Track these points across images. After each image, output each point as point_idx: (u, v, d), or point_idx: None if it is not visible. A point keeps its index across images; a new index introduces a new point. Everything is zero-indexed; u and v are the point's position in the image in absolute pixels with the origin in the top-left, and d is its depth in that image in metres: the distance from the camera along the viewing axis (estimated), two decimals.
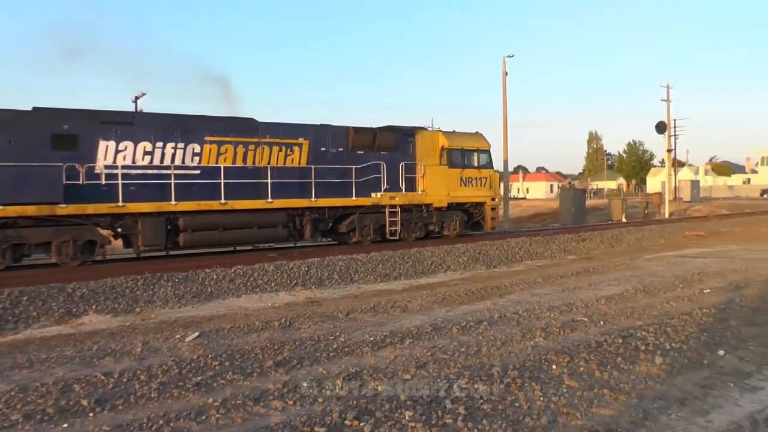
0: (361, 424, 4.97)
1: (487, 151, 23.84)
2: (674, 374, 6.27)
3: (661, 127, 47.95)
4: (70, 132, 15.70)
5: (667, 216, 40.05)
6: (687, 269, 14.17)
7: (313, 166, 19.10)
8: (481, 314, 9.25)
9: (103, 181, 15.82)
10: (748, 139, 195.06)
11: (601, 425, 4.96)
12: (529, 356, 6.84)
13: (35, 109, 15.63)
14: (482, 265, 15.94)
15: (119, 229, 16.34)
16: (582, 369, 6.38)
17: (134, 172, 16.44)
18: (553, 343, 7.42)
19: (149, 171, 16.71)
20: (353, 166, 19.93)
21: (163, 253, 17.13)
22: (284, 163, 18.92)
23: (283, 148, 19.07)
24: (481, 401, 5.45)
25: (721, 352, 7.05)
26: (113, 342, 7.94)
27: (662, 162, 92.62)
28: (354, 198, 19.88)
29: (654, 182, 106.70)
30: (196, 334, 8.21)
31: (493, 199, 23.64)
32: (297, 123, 19.51)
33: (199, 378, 6.19)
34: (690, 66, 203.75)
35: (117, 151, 16.31)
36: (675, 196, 60.84)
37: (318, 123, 19.86)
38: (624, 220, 34.92)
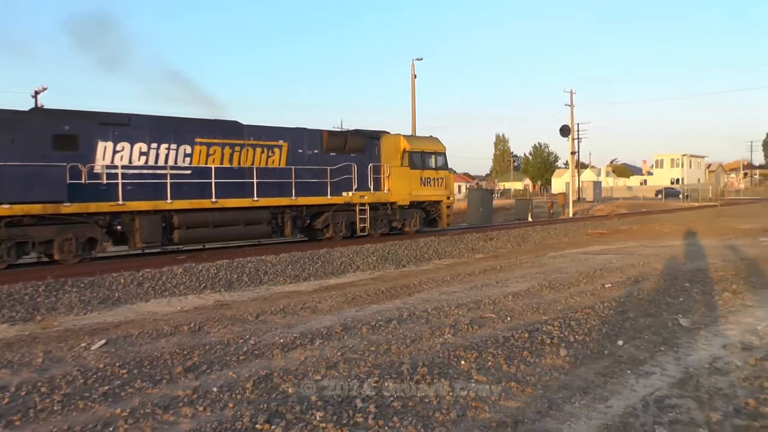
0: (272, 427, 4.95)
1: (443, 154, 25.72)
2: (577, 365, 6.53)
3: (565, 131, 49.67)
4: (70, 132, 16.34)
5: (571, 215, 41.49)
6: (590, 265, 14.75)
7: (293, 167, 20.52)
8: (391, 313, 9.33)
9: (104, 181, 16.65)
10: (645, 143, 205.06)
11: (508, 417, 5.11)
12: (438, 353, 6.96)
13: (35, 109, 16.34)
14: (391, 265, 16.06)
15: (119, 227, 17.06)
16: (490, 363, 6.55)
17: (131, 171, 17.28)
18: (462, 340, 7.58)
19: (144, 171, 17.59)
20: (328, 167, 21.49)
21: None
22: (266, 164, 20.19)
23: (265, 149, 20.32)
24: (392, 399, 5.51)
25: (620, 342, 7.38)
26: (9, 353, 7.55)
27: (566, 164, 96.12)
28: (329, 197, 21.44)
29: (558, 183, 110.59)
30: (103, 341, 7.92)
31: (448, 198, 25.69)
32: (277, 126, 20.76)
33: (106, 387, 5.98)
34: (592, 72, 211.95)
35: (114, 152, 17.11)
36: (578, 196, 63.18)
37: (295, 126, 21.27)
38: (530, 219, 35.90)
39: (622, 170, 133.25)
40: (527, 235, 23.82)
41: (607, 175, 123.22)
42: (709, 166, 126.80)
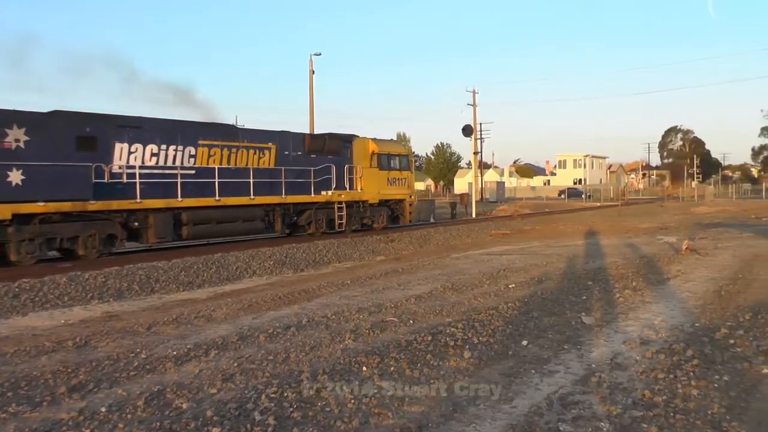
0: None
1: (406, 156, 29.55)
2: (482, 366, 6.66)
3: (467, 131, 50.65)
4: (91, 134, 18.11)
5: (474, 216, 42.32)
6: (493, 266, 15.08)
7: (282, 168, 23.19)
8: (289, 319, 9.24)
9: (124, 180, 18.62)
10: (548, 144, 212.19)
11: (412, 422, 5.14)
12: (339, 360, 6.94)
13: (56, 112, 17.77)
14: (289, 269, 15.93)
15: (136, 224, 18.98)
16: (393, 368, 6.58)
17: (145, 171, 19.25)
18: (363, 345, 7.59)
19: (156, 171, 19.66)
20: (312, 168, 24.37)
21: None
22: (258, 165, 22.66)
23: (257, 151, 22.76)
24: (291, 409, 5.45)
25: (524, 342, 7.57)
26: None
27: (469, 164, 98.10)
28: (312, 195, 24.35)
29: (461, 183, 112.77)
30: None
31: (410, 197, 29.39)
32: (266, 129, 23.48)
33: None
34: (496, 72, 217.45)
35: (129, 153, 19.01)
36: (481, 196, 64.56)
37: (280, 129, 23.99)
38: (432, 220, 36.40)
39: (526, 170, 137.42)
40: (429, 237, 24.17)
41: (511, 175, 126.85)
42: (610, 166, 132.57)
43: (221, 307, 10.56)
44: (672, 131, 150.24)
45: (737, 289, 11.12)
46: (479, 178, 66.15)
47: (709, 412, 5.34)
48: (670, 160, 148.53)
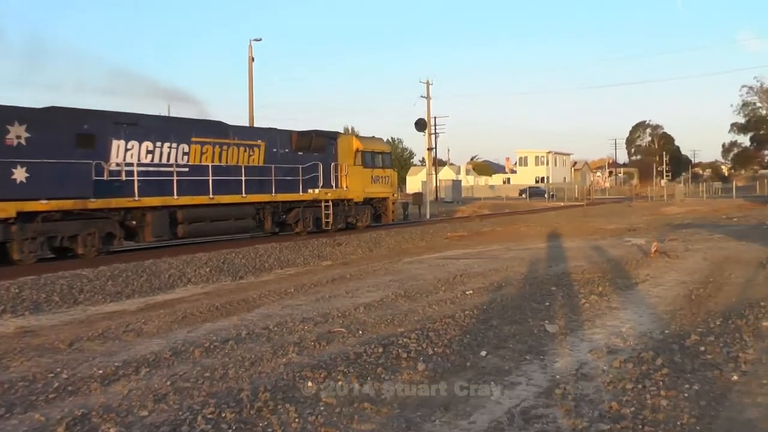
0: None
1: (389, 154, 32.26)
2: (437, 379, 6.71)
3: (420, 125, 50.97)
4: (89, 131, 19.61)
5: (428, 217, 42.55)
6: (449, 271, 15.19)
7: (272, 166, 25.29)
8: (228, 332, 9.17)
9: (123, 178, 20.29)
10: (508, 140, 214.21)
11: None
12: (282, 375, 6.92)
13: (54, 108, 19.14)
14: (227, 276, 15.82)
15: (133, 222, 20.76)
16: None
17: (142, 169, 20.83)
18: (309, 359, 7.59)
19: (151, 168, 21.31)
20: (300, 166, 26.58)
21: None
22: (247, 163, 24.66)
23: (247, 148, 24.78)
24: (230, 431, 5.40)
25: (483, 353, 7.66)
26: None
27: (422, 161, 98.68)
28: (301, 193, 26.62)
29: (414, 181, 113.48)
30: None
31: (393, 195, 31.94)
32: (255, 126, 26.40)
33: None
34: (451, 63, 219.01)
35: (126, 150, 20.61)
36: (436, 196, 64.96)
37: (268, 127, 26.46)
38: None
39: (484, 168, 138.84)
40: (380, 240, 24.26)
41: (468, 173, 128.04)
42: (574, 164, 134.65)
43: (153, 319, 10.43)
44: (640, 126, 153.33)
45: (708, 293, 11.41)
46: (434, 176, 66.64)
47: (678, 423, 5.49)
48: (639, 157, 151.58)
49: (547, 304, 10.65)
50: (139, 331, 9.63)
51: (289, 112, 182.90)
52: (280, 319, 10.02)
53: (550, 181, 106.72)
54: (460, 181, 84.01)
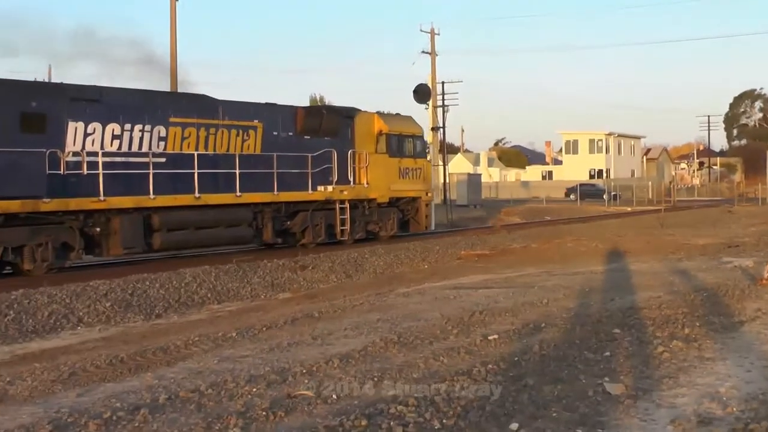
0: None
1: (421, 137, 34.27)
2: None
3: (422, 94, 51.26)
4: (38, 110, 20.97)
5: (432, 227, 42.43)
6: (463, 306, 15.20)
7: (275, 154, 26.79)
8: (138, 396, 9.07)
9: (85, 171, 21.58)
10: (550, 116, 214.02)
11: None
12: None
13: None
14: (138, 314, 15.83)
15: (97, 229, 22.12)
16: None
17: (108, 159, 22.28)
18: None
19: (118, 159, 22.79)
20: (308, 155, 28.07)
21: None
22: (241, 150, 26.26)
23: (240, 131, 26.40)
24: None
25: (514, 426, 7.59)
26: None
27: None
28: (310, 191, 28.18)
29: None
30: None
31: (427, 194, 33.92)
32: (250, 102, 27.47)
33: None
34: (467, 3, 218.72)
35: (86, 135, 22.03)
36: (445, 197, 64.93)
37: (265, 102, 27.98)
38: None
39: (514, 157, 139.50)
40: (363, 261, 24.28)
41: (491, 164, 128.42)
42: (647, 151, 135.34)
43: (24, 377, 10.37)
44: (746, 97, 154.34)
45: None
46: (441, 168, 66.61)
47: None
48: (744, 141, 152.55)
49: (608, 353, 10.60)
50: (2, 394, 9.53)
51: (222, 72, 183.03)
52: (217, 377, 9.93)
53: (612, 176, 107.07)
54: (480, 175, 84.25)
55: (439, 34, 57.60)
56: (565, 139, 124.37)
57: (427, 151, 35.00)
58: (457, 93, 78.64)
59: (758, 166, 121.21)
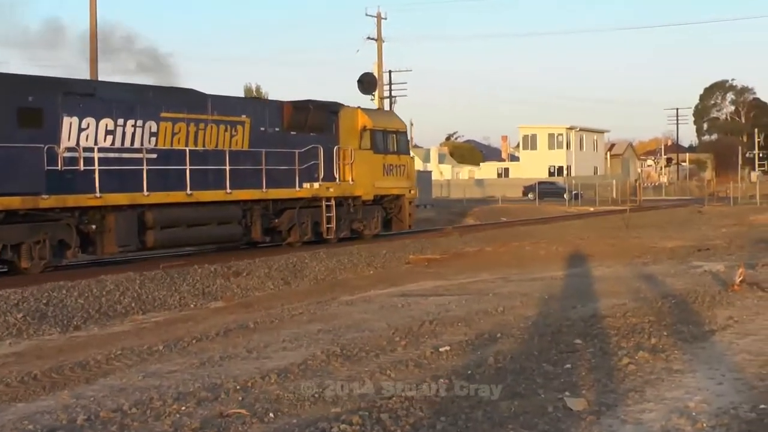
0: None
1: (405, 134, 37.04)
2: None
3: (367, 84, 51.22)
4: (34, 105, 22.56)
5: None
6: (412, 315, 15.21)
7: (263, 150, 28.98)
8: (54, 417, 8.97)
9: (81, 167, 23.26)
10: (507, 109, 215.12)
11: None
12: None
13: None
14: (54, 326, 15.67)
15: (93, 226, 23.83)
16: None
17: (103, 155, 23.89)
18: None
19: (112, 154, 24.40)
20: (296, 151, 30.16)
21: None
22: (230, 146, 28.28)
23: (229, 127, 28.24)
24: None
25: None
26: None
27: None
28: (297, 189, 30.26)
29: None
30: None
31: (411, 191, 36.42)
32: (238, 96, 29.64)
33: None
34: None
35: (81, 130, 23.66)
36: None
37: (252, 97, 32.60)
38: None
39: (468, 152, 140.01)
40: (303, 266, 24.29)
41: (442, 160, 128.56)
42: (611, 146, 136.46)
43: None
44: (717, 89, 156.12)
45: None
46: None
47: None
48: (714, 136, 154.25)
49: (568, 366, 10.64)
50: None
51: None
52: (142, 395, 9.83)
53: (573, 174, 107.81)
54: (430, 172, 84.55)
55: (386, 19, 57.68)
56: (523, 133, 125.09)
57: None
58: (405, 83, 79.16)
59: (730, 163, 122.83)
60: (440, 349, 11.92)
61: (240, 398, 9.56)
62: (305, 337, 13.31)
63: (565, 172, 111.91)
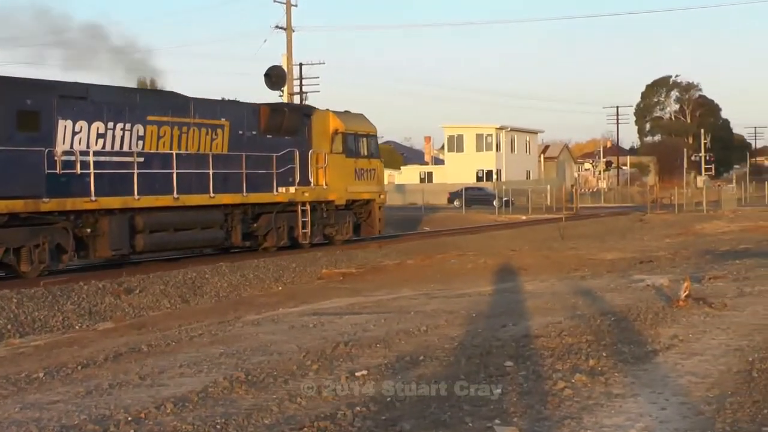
0: None
1: (375, 137, 40.52)
2: None
3: (275, 78, 50.98)
4: (33, 108, 24.90)
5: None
6: (325, 336, 15.26)
7: (243, 154, 31.81)
8: None
9: (78, 171, 25.64)
10: (430, 107, 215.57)
11: None
12: None
13: None
14: None
15: (88, 230, 26.32)
16: None
17: (97, 159, 26.35)
18: None
19: (103, 158, 26.87)
20: (273, 154, 33.08)
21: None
22: (211, 149, 30.99)
23: (209, 130, 30.93)
24: None
25: None
26: None
27: None
28: (275, 193, 33.14)
29: None
30: None
31: (381, 196, 39.61)
32: (217, 99, 32.60)
33: None
34: None
35: (74, 133, 26.10)
36: None
37: (230, 99, 34.06)
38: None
39: (387, 155, 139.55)
40: (203, 282, 24.27)
41: None
42: (545, 148, 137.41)
43: None
44: (661, 86, 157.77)
45: None
46: None
47: None
48: (658, 137, 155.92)
49: (498, 391, 10.67)
50: None
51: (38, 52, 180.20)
52: (19, 428, 9.74)
53: (504, 179, 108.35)
54: None
55: (296, 6, 57.38)
56: (448, 133, 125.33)
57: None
58: (318, 77, 78.94)
59: (674, 167, 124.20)
60: (357, 374, 11.91)
61: (132, 431, 9.50)
62: (205, 362, 13.25)
63: (494, 176, 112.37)
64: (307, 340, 14.89)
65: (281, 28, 55.12)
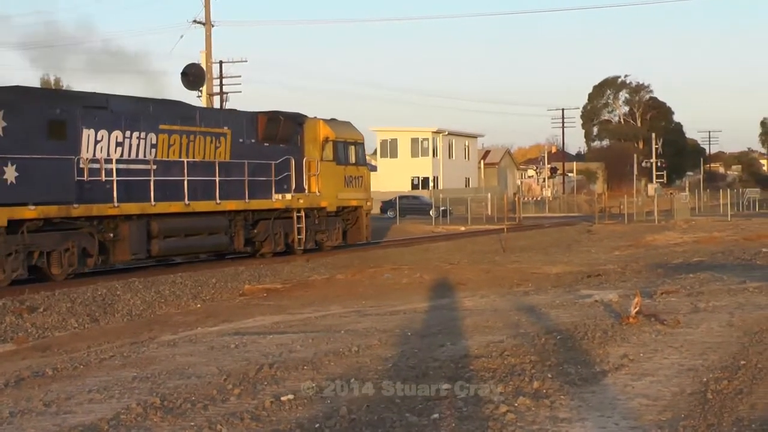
0: None
1: (362, 144, 44.38)
2: None
3: (193, 77, 50.83)
4: (61, 118, 28.09)
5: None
6: (248, 358, 15.24)
7: (245, 161, 35.41)
8: None
9: (103, 178, 29.30)
10: (362, 108, 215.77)
11: None
12: None
13: (20, 88, 28.80)
14: None
15: (110, 235, 29.84)
16: None
17: (117, 167, 29.75)
18: None
19: (121, 165, 30.11)
20: (272, 162, 36.78)
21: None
22: (214, 157, 34.38)
23: (213, 138, 34.41)
24: None
25: None
26: None
27: None
28: (274, 200, 37.00)
29: None
30: None
31: (367, 202, 43.87)
32: (219, 108, 33.00)
33: None
34: None
35: (96, 142, 29.29)
36: None
37: (229, 108, 34.03)
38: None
39: None
40: (113, 299, 24.16)
41: None
42: (486, 154, 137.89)
43: None
44: (609, 86, 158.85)
45: (737, 388, 11.77)
46: None
47: None
48: (606, 142, 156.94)
49: (435, 416, 10.70)
50: None
51: None
52: None
53: (441, 186, 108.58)
54: None
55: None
56: (381, 138, 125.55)
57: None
58: (240, 76, 78.67)
59: (624, 173, 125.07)
60: (282, 398, 11.88)
61: None
62: (117, 386, 13.12)
63: (431, 183, 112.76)
64: (228, 362, 14.84)
65: (200, 22, 55.04)
